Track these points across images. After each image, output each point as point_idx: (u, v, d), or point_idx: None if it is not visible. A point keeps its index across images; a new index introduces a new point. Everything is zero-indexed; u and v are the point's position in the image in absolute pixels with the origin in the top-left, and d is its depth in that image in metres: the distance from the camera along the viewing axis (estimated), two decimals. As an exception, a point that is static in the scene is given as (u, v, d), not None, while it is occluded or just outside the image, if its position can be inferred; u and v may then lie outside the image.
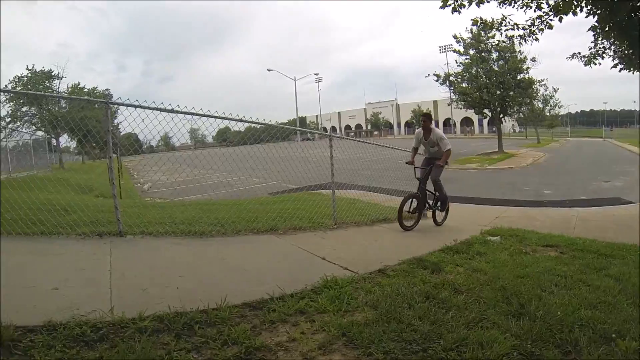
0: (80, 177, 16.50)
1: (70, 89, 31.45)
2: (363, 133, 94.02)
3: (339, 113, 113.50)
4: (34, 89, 28.02)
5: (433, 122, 7.89)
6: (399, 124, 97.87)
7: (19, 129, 24.93)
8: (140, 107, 4.86)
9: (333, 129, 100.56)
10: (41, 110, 29.28)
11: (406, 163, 7.36)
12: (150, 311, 2.82)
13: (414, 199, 7.17)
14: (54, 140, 26.52)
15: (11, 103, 28.22)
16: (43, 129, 27.55)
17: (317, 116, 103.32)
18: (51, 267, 3.77)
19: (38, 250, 4.25)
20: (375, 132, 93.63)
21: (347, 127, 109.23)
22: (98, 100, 4.77)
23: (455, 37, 33.71)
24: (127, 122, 4.89)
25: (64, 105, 29.53)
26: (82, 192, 11.89)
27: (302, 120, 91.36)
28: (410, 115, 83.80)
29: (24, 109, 29.35)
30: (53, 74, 31.29)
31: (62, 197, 7.75)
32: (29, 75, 30.34)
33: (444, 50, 61.96)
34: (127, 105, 4.87)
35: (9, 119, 26.59)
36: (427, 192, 7.45)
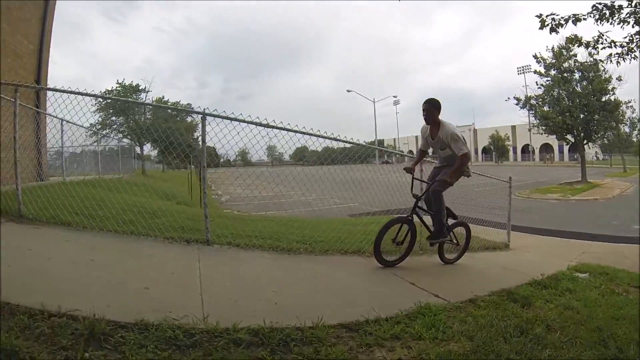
0: (161, 184, 17.18)
1: (154, 102, 33.56)
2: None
3: (416, 137, 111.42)
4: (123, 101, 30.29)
5: (440, 112, 5.18)
6: (476, 150, 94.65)
7: (107, 135, 26.81)
8: (236, 120, 4.96)
9: (410, 152, 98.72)
10: (128, 120, 31.44)
11: (404, 170, 5.34)
12: (243, 323, 2.73)
13: (404, 224, 5.10)
14: (138, 148, 28.23)
15: (102, 113, 30.65)
16: (129, 137, 29.44)
17: (394, 139, 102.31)
18: (142, 267, 3.84)
19: (128, 249, 4.37)
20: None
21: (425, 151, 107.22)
22: (195, 111, 4.92)
23: (535, 57, 31.33)
24: (208, 136, 5.04)
25: (149, 116, 31.52)
26: (165, 198, 12.38)
27: (380, 143, 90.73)
28: (488, 140, 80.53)
29: (113, 118, 31.74)
30: (140, 87, 33.67)
31: (146, 200, 8.10)
32: (119, 88, 32.78)
33: (522, 71, 59.00)
34: (222, 117, 4.94)
35: (99, 126, 28.64)
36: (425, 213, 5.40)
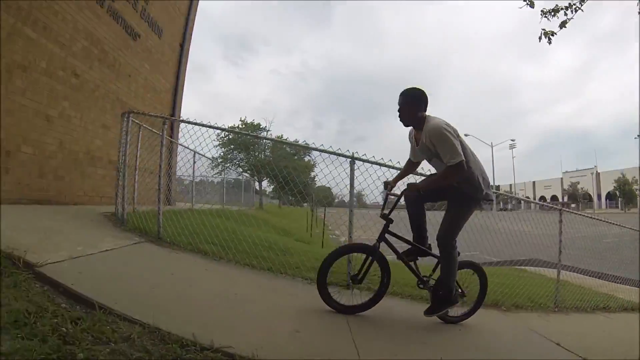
0: (279, 220, 17.62)
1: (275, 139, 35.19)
2: (559, 206, 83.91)
3: (534, 183, 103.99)
4: (244, 138, 32.27)
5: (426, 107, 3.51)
6: (599, 196, 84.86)
7: (229, 168, 28.52)
8: (385, 165, 4.76)
9: (527, 197, 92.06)
10: (249, 156, 33.38)
11: (383, 184, 3.96)
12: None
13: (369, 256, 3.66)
14: (256, 183, 29.58)
15: (224, 148, 33.06)
16: (249, 171, 31.03)
17: (510, 185, 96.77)
18: (287, 307, 3.58)
19: (269, 286, 4.18)
20: (573, 205, 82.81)
21: (542, 198, 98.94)
22: (344, 155, 4.79)
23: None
24: (322, 174, 4.99)
25: (268, 154, 33.18)
26: (284, 234, 12.54)
27: (496, 189, 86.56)
28: (613, 185, 71.75)
29: (235, 152, 34.03)
30: (261, 126, 35.80)
31: (275, 236, 8.21)
32: (241, 125, 35.15)
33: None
34: (371, 162, 4.82)
35: (221, 160, 30.66)
36: (414, 247, 3.78)
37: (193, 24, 12.39)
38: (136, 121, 6.30)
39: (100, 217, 5.65)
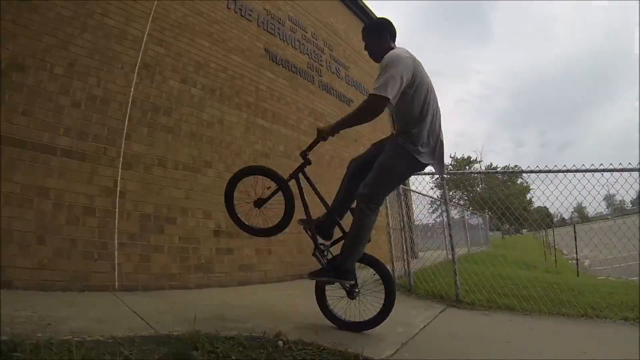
0: (509, 252, 16.66)
1: (486, 168, 33.95)
2: None
3: None
4: (458, 174, 31.78)
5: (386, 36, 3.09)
6: None
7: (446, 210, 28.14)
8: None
9: None
10: (466, 192, 32.63)
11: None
12: None
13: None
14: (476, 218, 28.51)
15: (439, 190, 32.99)
16: (470, 207, 30.15)
17: None
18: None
19: (602, 337, 3.45)
20: None
21: None
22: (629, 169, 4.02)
23: None
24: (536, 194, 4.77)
25: (481, 186, 31.98)
26: (527, 267, 11.51)
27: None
28: None
29: (451, 192, 33.62)
30: (472, 159, 34.95)
31: (525, 273, 7.80)
32: (453, 163, 34.76)
33: None
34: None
35: (439, 202, 30.44)
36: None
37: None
38: None
39: (381, 287, 5.55)
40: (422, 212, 8.24)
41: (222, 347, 2.34)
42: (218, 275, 5.16)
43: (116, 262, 4.19)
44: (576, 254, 13.03)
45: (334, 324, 3.21)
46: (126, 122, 4.58)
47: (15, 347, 1.91)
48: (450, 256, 5.14)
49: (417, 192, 7.74)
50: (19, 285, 3.49)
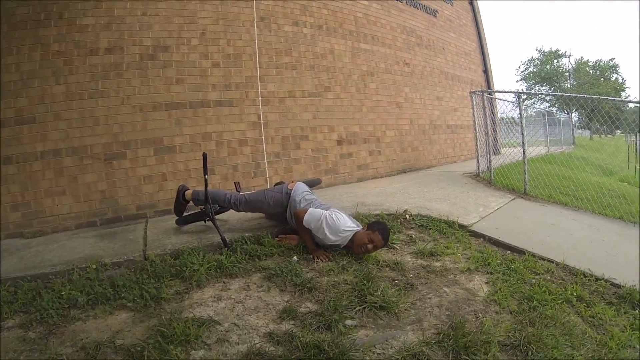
0: (594, 154, 16.60)
1: (576, 64, 32.35)
2: None
3: None
4: (544, 68, 30.78)
5: None
6: None
7: (532, 105, 27.99)
8: None
9: None
10: (553, 88, 31.67)
11: None
12: None
13: None
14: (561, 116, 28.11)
15: (525, 83, 32.33)
16: (556, 105, 29.68)
17: None
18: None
19: (627, 235, 4.88)
20: None
21: None
22: None
23: None
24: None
25: (573, 82, 30.85)
26: (605, 174, 12.20)
27: None
28: None
29: (537, 87, 32.83)
30: (560, 52, 33.22)
31: (599, 179, 8.81)
32: (538, 55, 33.39)
33: None
34: None
35: (525, 96, 30.08)
36: None
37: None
38: (478, 92, 7.78)
39: (467, 179, 7.25)
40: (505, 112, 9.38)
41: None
42: (342, 175, 7.15)
43: (267, 176, 6.13)
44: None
45: None
46: (258, 69, 6.19)
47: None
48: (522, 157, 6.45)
49: (501, 100, 9.05)
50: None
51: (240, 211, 4.12)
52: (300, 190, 3.92)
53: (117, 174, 5.02)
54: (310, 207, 3.67)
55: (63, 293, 2.75)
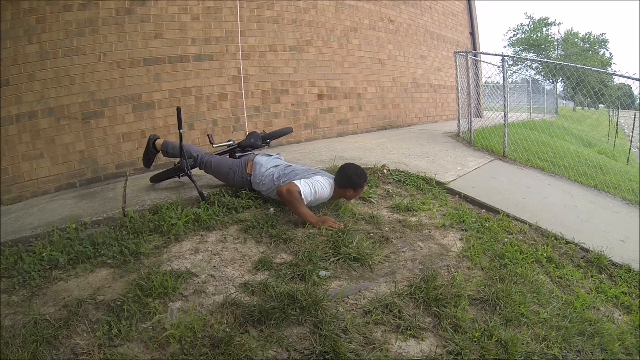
0: (575, 126, 16.99)
1: (565, 35, 32.38)
2: None
3: None
4: (533, 35, 30.67)
5: None
6: None
7: (518, 72, 27.99)
8: None
9: None
10: (540, 55, 31.72)
11: None
12: None
13: None
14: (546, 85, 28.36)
15: (512, 49, 32.20)
16: (541, 73, 29.81)
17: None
18: (615, 223, 4.54)
19: (599, 203, 5.11)
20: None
21: None
22: None
23: None
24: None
25: (561, 52, 30.93)
26: (584, 144, 12.48)
27: None
28: None
29: (524, 54, 32.74)
30: (549, 21, 33.15)
31: (576, 148, 8.87)
32: (527, 21, 33.23)
33: None
34: None
35: (510, 61, 30.23)
36: None
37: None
38: (462, 53, 7.69)
39: (447, 138, 7.31)
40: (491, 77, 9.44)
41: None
42: (322, 130, 7.11)
43: (246, 130, 6.02)
44: (631, 141, 13.69)
45: None
46: (239, 22, 5.99)
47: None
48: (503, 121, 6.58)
49: (485, 62, 9.04)
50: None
51: (205, 172, 4.05)
52: (262, 170, 3.63)
53: (95, 133, 4.88)
54: (291, 179, 3.42)
55: (44, 255, 2.74)
